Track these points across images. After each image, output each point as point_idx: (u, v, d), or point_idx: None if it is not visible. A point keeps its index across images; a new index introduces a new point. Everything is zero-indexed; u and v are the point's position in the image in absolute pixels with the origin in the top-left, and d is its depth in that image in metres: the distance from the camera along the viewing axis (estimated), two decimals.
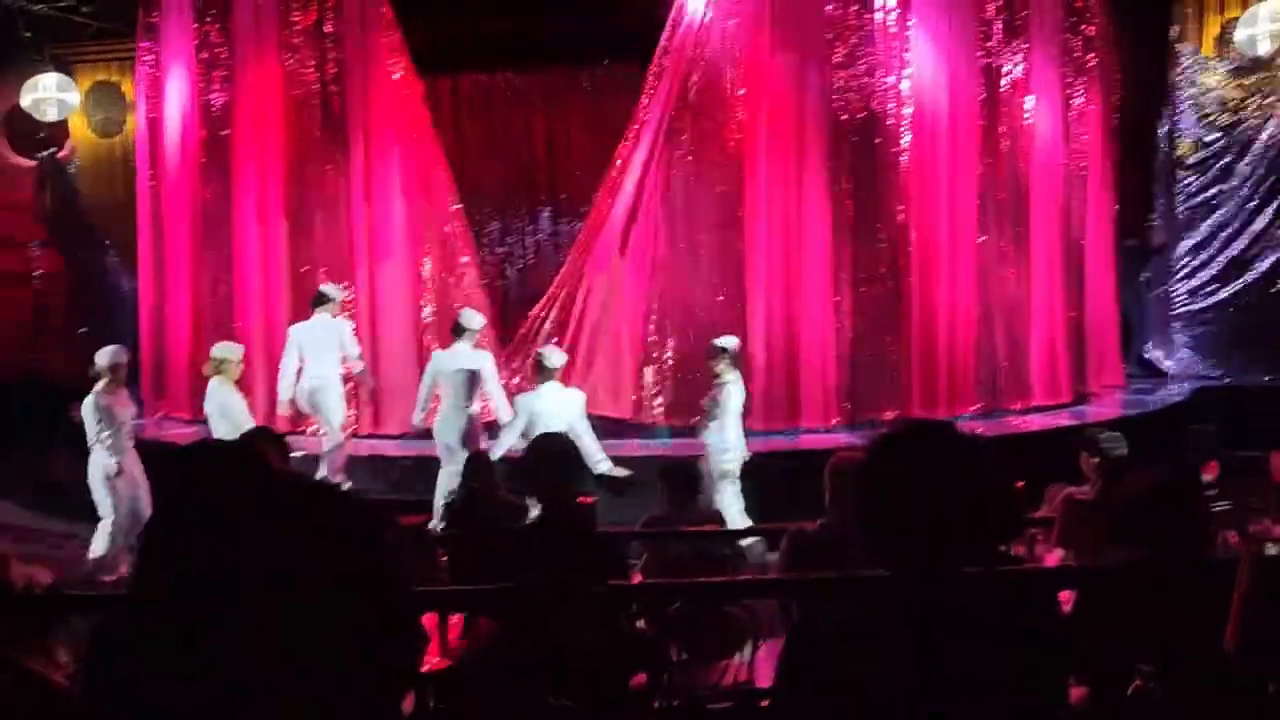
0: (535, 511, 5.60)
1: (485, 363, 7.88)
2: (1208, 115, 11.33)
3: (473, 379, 7.78)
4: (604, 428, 9.32)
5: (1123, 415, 9.81)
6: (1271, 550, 4.40)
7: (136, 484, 7.27)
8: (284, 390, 8.37)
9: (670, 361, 9.32)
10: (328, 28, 9.68)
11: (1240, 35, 10.90)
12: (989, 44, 9.73)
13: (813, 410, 9.37)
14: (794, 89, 9.30)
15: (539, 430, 7.23)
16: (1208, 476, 6.27)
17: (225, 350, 7.81)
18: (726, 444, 7.35)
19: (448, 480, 7.70)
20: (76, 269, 12.81)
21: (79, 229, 12.69)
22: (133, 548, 7.05)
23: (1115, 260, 11.24)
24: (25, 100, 11.80)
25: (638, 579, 4.86)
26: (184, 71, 10.34)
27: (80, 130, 12.77)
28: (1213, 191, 11.36)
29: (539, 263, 11.64)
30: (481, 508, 5.85)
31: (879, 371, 9.46)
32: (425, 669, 3.98)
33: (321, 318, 8.41)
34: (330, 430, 8.39)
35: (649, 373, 9.36)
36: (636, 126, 9.36)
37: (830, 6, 9.21)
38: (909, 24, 9.34)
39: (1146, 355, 11.93)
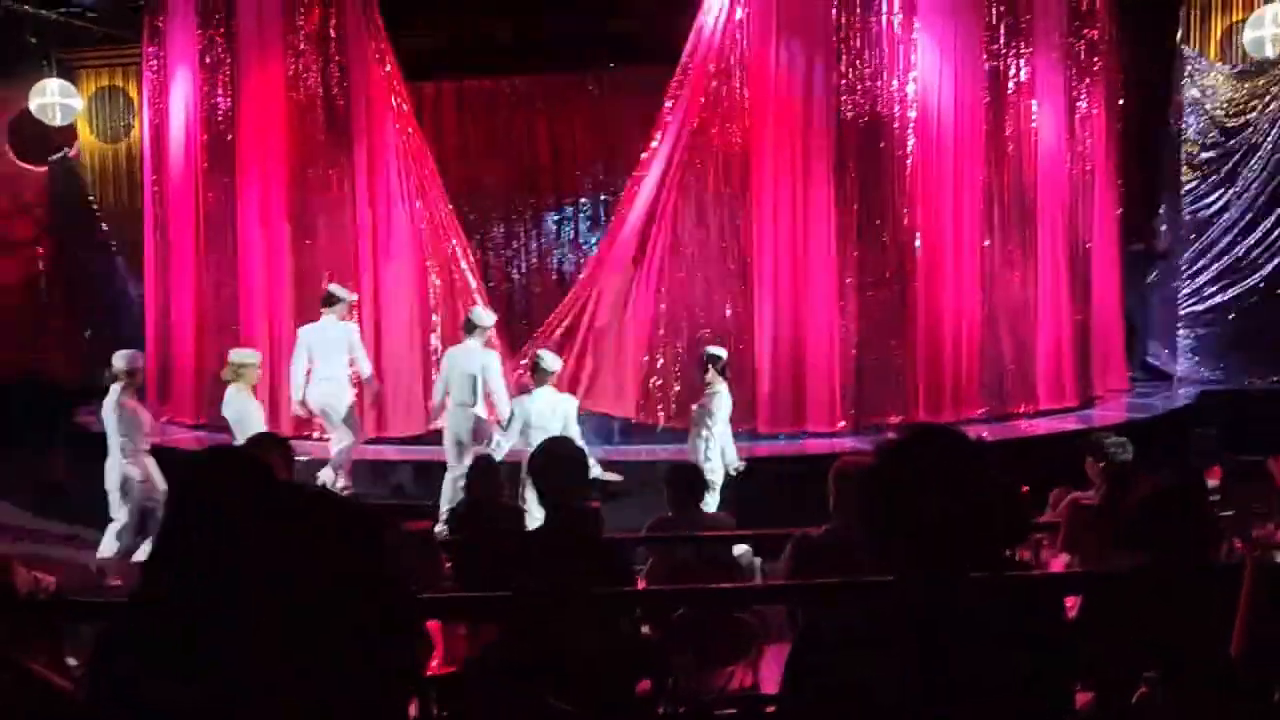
0: (537, 516, 5.63)
1: (491, 361, 7.95)
2: (1213, 118, 11.31)
3: (484, 377, 7.86)
4: (606, 432, 9.42)
5: (1127, 419, 9.81)
6: (1277, 557, 4.39)
7: (154, 487, 7.27)
8: (295, 391, 8.40)
9: (676, 364, 9.31)
10: (330, 32, 9.69)
11: (1248, 37, 10.88)
12: (993, 48, 9.73)
13: (818, 414, 9.36)
14: (799, 93, 9.30)
15: (532, 433, 7.39)
16: (1210, 481, 6.26)
17: (243, 356, 7.86)
18: (710, 454, 7.32)
19: (453, 484, 7.73)
20: (80, 271, 12.83)
21: (84, 231, 12.72)
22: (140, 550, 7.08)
23: (1120, 264, 11.22)
24: (31, 105, 11.84)
25: (642, 584, 4.85)
26: (188, 76, 10.37)
27: (85, 135, 12.81)
28: (1218, 194, 11.34)
29: (542, 265, 11.65)
30: (486, 513, 5.85)
31: (884, 376, 9.46)
32: (429, 674, 3.98)
33: (330, 319, 8.42)
34: (338, 433, 8.40)
35: (653, 374, 9.36)
36: (659, 132, 9.34)
37: (835, 11, 9.21)
38: (914, 28, 9.35)
39: (1151, 359, 11.91)
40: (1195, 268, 11.46)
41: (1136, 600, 3.17)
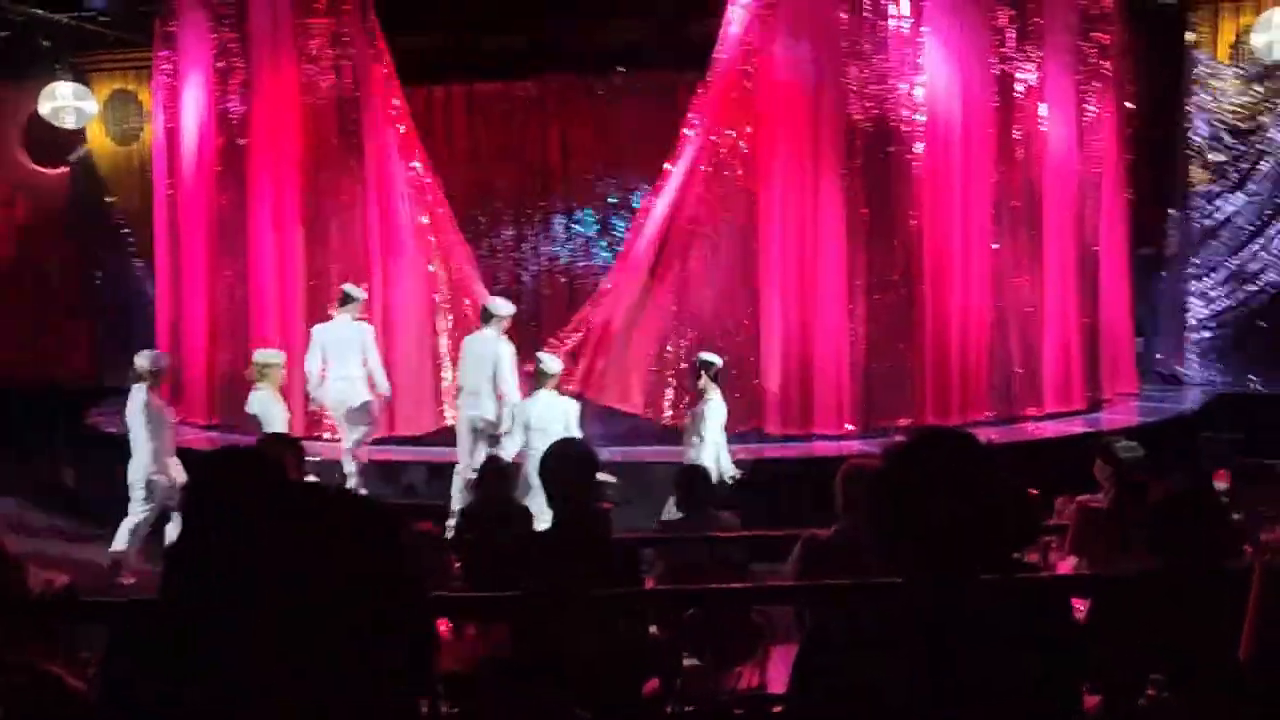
0: (545, 516, 5.64)
1: (504, 351, 8.02)
2: (1223, 122, 11.29)
3: (496, 365, 7.94)
4: (611, 435, 9.45)
5: (1136, 423, 9.79)
6: None
7: (176, 487, 7.31)
8: (311, 388, 8.51)
9: (683, 363, 9.33)
10: (342, 35, 9.74)
11: (1258, 40, 10.86)
12: (1003, 51, 9.72)
13: (826, 417, 9.36)
14: (808, 96, 9.30)
15: (533, 435, 7.48)
16: (1220, 484, 6.25)
17: (268, 356, 7.94)
18: (702, 461, 7.34)
19: (463, 481, 7.78)
20: (96, 271, 12.90)
21: (102, 231, 12.78)
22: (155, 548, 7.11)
23: (1129, 267, 11.20)
24: (44, 109, 11.90)
25: (651, 584, 4.86)
26: (201, 80, 10.42)
27: (98, 139, 12.87)
28: (1228, 198, 11.31)
29: (551, 268, 11.67)
30: (496, 513, 5.87)
31: (893, 378, 9.46)
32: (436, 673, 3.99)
33: (344, 318, 8.49)
34: (353, 432, 8.46)
35: (662, 371, 9.38)
36: (686, 135, 9.37)
37: (844, 14, 9.22)
38: (922, 31, 9.35)
39: (1160, 362, 11.88)
40: (1205, 271, 11.42)
41: (1145, 604, 3.17)
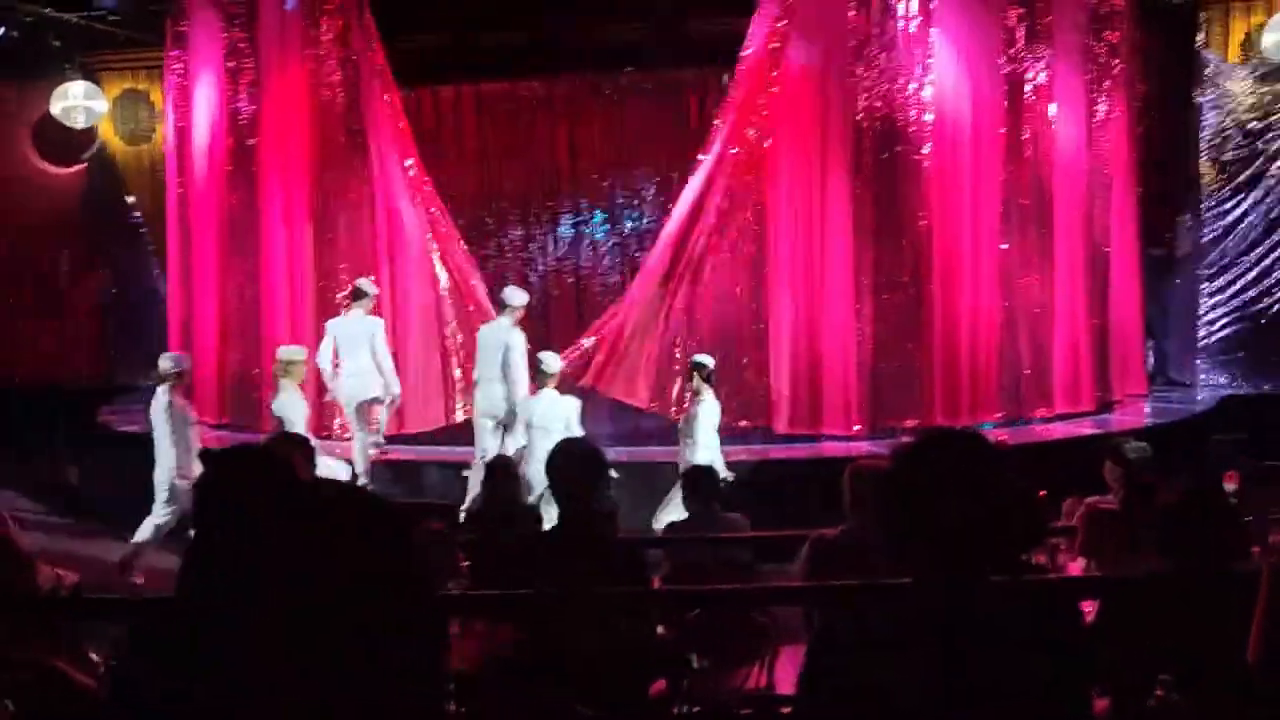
0: (553, 516, 5.64)
1: (516, 340, 8.13)
2: (1234, 121, 11.24)
3: (506, 354, 8.06)
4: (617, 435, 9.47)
5: (1146, 424, 9.76)
6: None
7: None
8: (326, 380, 8.69)
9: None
10: (350, 36, 9.77)
11: (1268, 40, 10.82)
12: (1011, 50, 9.68)
13: (834, 417, 9.35)
14: (817, 96, 9.30)
15: (534, 433, 7.57)
16: (1229, 486, 6.22)
17: (292, 353, 8.08)
18: (695, 461, 7.33)
19: (478, 477, 7.85)
20: (111, 270, 12.94)
21: (119, 230, 12.82)
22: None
23: (1140, 268, 11.16)
24: (54, 108, 11.94)
25: (658, 584, 4.86)
26: (211, 80, 10.45)
27: (108, 138, 12.91)
28: (1239, 198, 11.27)
29: (560, 268, 11.68)
30: (503, 512, 5.88)
31: (901, 379, 9.44)
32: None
33: (356, 313, 8.63)
34: (358, 429, 8.51)
35: (670, 367, 9.40)
36: (712, 140, 9.42)
37: (853, 14, 9.21)
38: (931, 31, 9.32)
39: (1170, 363, 11.84)
40: (1216, 271, 11.38)
41: (1154, 606, 3.17)
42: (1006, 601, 1.83)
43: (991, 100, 9.61)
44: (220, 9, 10.27)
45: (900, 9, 9.26)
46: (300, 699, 1.61)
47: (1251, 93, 11.18)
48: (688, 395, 8.33)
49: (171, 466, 7.24)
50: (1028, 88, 9.77)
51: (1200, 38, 11.38)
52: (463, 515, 6.98)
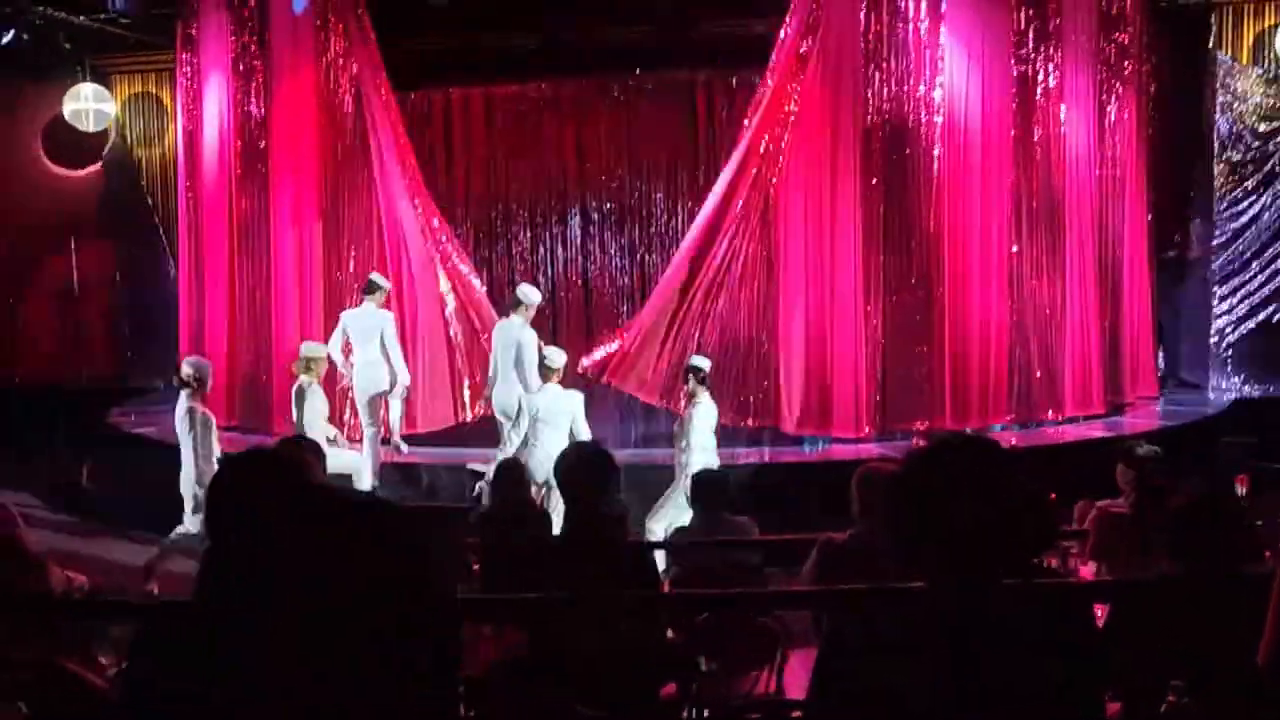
0: (558, 518, 5.65)
1: (527, 338, 8.23)
2: (1245, 123, 11.20)
3: (519, 351, 8.18)
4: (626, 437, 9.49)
5: (1157, 427, 9.72)
6: None
7: None
8: (341, 367, 8.83)
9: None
10: (350, 38, 9.82)
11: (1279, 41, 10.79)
12: (1021, 52, 9.66)
13: (844, 420, 9.33)
14: (828, 98, 9.29)
15: (540, 427, 7.64)
16: (1239, 489, 6.21)
17: (314, 349, 8.26)
18: (690, 464, 7.33)
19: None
20: (126, 270, 12.99)
21: (137, 229, 12.87)
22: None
23: (1151, 270, 11.12)
24: (65, 110, 11.99)
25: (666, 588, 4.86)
26: (221, 82, 10.48)
27: (123, 140, 12.97)
28: (1251, 200, 11.23)
29: (568, 270, 11.70)
30: (512, 515, 5.88)
31: (911, 381, 9.41)
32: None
33: (369, 306, 8.80)
34: (368, 424, 8.64)
35: (681, 367, 9.43)
36: (738, 144, 9.46)
37: (863, 16, 9.20)
38: (941, 33, 9.31)
39: (1182, 366, 11.80)
40: (1228, 274, 11.34)
41: (1165, 609, 3.16)
42: (1019, 605, 1.83)
43: (1001, 102, 9.59)
44: (231, 12, 10.30)
45: (910, 11, 9.25)
46: (313, 703, 1.62)
47: (1263, 93, 11.14)
48: (683, 398, 8.32)
49: (192, 476, 7.20)
50: (1038, 90, 9.74)
51: (1211, 39, 11.34)
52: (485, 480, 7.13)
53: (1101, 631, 3.20)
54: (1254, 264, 11.25)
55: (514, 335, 8.30)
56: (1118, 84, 10.39)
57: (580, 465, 3.82)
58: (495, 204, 11.64)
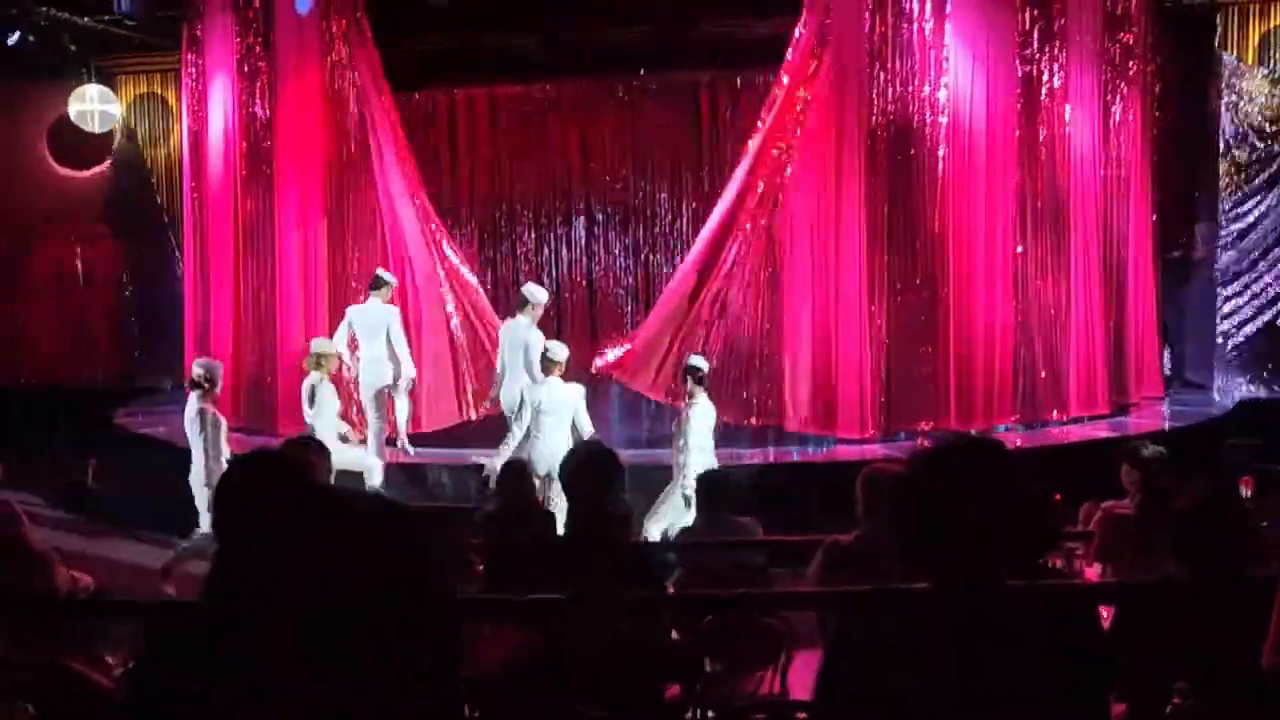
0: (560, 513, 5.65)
1: (534, 338, 8.27)
2: (1251, 123, 11.18)
3: (526, 351, 8.22)
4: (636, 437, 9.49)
5: (1162, 428, 9.70)
6: None
7: None
8: (347, 359, 8.87)
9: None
10: (350, 39, 9.84)
11: None
12: (1026, 52, 9.65)
13: (848, 421, 9.33)
14: (832, 99, 9.28)
15: (542, 420, 7.70)
16: (1244, 491, 6.20)
17: (323, 345, 8.29)
18: (685, 464, 7.32)
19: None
20: (133, 270, 13.02)
21: (146, 228, 12.89)
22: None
23: (1156, 270, 11.10)
24: (70, 111, 12.01)
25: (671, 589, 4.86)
26: (227, 84, 10.49)
27: (130, 141, 12.99)
28: (1256, 200, 11.20)
29: (573, 271, 11.72)
30: (515, 513, 5.88)
31: (915, 382, 9.41)
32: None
33: (375, 302, 8.87)
34: (376, 416, 8.68)
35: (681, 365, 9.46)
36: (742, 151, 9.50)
37: (868, 16, 9.19)
38: (946, 33, 9.30)
39: (1188, 367, 11.77)
40: (1233, 274, 11.31)
41: (1170, 611, 3.15)
42: (1024, 606, 1.83)
43: (1006, 103, 9.58)
44: (235, 13, 10.32)
45: (915, 12, 9.24)
46: (316, 703, 1.62)
47: (1269, 94, 11.11)
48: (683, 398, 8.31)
49: (203, 475, 7.19)
50: (1043, 90, 9.73)
51: (1217, 39, 11.32)
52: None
53: (1106, 633, 3.20)
54: (1260, 264, 11.22)
55: (521, 335, 8.35)
56: (1123, 84, 10.37)
57: (586, 464, 3.81)
58: (499, 205, 11.67)
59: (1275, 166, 11.11)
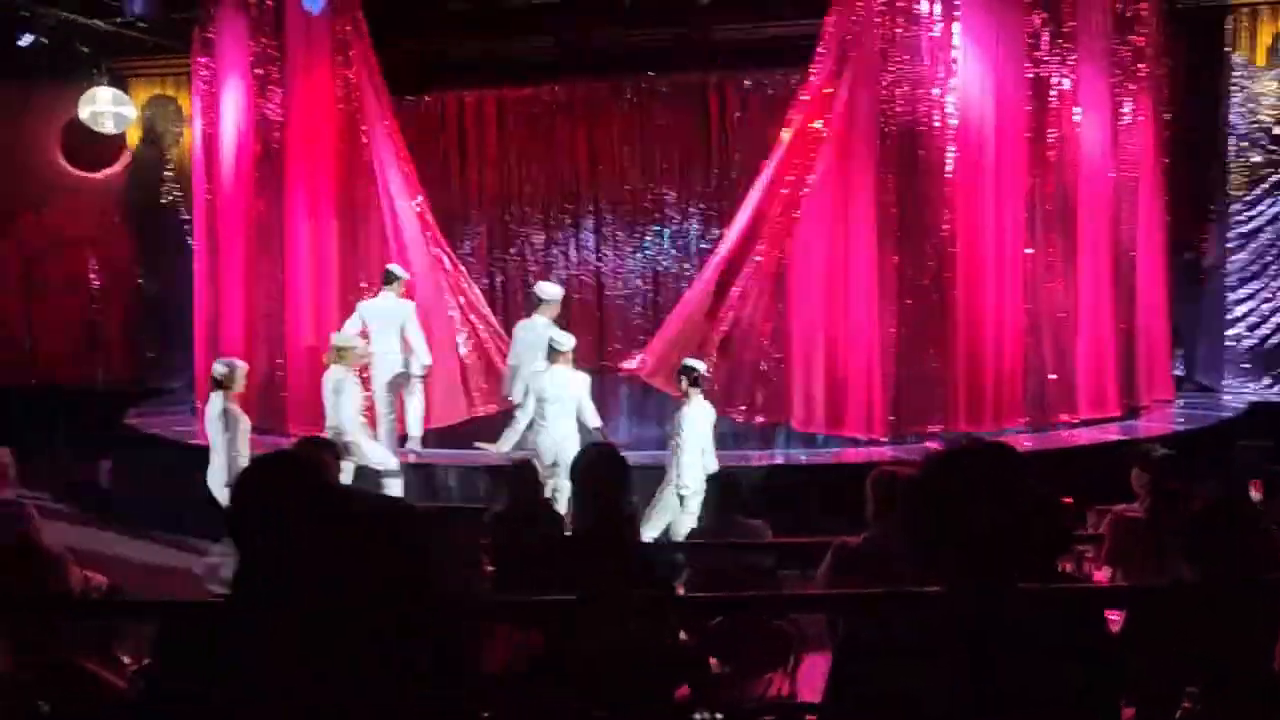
0: (564, 504, 5.65)
1: (557, 336, 8.25)
2: (1261, 125, 11.15)
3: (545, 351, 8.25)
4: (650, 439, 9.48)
5: (1172, 430, 9.66)
6: None
7: None
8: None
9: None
10: (349, 40, 9.88)
11: None
12: (1036, 54, 9.63)
13: (856, 422, 9.32)
14: (842, 99, 9.28)
15: (547, 407, 7.76)
16: (1254, 494, 6.18)
17: (345, 339, 8.32)
18: (681, 465, 7.31)
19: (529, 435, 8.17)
20: (147, 271, 13.06)
21: (162, 230, 12.93)
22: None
23: (1166, 272, 11.07)
24: (83, 113, 12.06)
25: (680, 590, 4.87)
26: (239, 85, 10.53)
27: (144, 143, 13.04)
28: (1267, 202, 11.17)
29: (581, 272, 11.73)
30: (524, 513, 5.88)
31: (924, 384, 9.39)
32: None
33: (388, 296, 8.94)
34: (388, 409, 8.69)
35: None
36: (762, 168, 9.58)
37: (878, 18, 9.19)
38: (955, 35, 9.29)
39: (1199, 369, 11.73)
40: (1245, 277, 11.28)
41: (1181, 614, 3.15)
42: (1036, 609, 1.83)
43: (1016, 104, 9.56)
44: (247, 16, 10.35)
45: (925, 15, 9.23)
46: (326, 703, 1.63)
47: (1279, 96, 11.08)
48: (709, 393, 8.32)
49: (225, 476, 7.19)
50: (1052, 92, 9.71)
51: (1227, 41, 11.29)
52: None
53: (1117, 637, 3.19)
54: (1271, 266, 11.19)
55: (541, 334, 8.39)
56: (1132, 86, 10.33)
57: (601, 463, 3.82)
58: (508, 206, 11.70)
59: None
